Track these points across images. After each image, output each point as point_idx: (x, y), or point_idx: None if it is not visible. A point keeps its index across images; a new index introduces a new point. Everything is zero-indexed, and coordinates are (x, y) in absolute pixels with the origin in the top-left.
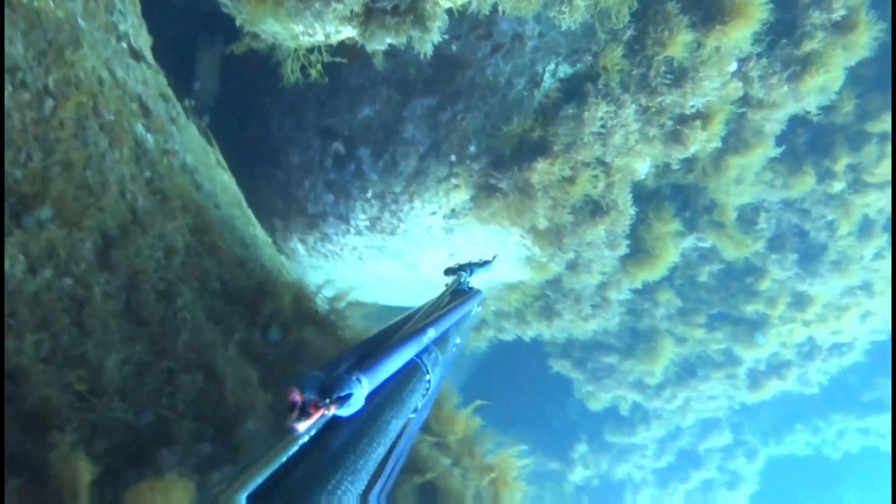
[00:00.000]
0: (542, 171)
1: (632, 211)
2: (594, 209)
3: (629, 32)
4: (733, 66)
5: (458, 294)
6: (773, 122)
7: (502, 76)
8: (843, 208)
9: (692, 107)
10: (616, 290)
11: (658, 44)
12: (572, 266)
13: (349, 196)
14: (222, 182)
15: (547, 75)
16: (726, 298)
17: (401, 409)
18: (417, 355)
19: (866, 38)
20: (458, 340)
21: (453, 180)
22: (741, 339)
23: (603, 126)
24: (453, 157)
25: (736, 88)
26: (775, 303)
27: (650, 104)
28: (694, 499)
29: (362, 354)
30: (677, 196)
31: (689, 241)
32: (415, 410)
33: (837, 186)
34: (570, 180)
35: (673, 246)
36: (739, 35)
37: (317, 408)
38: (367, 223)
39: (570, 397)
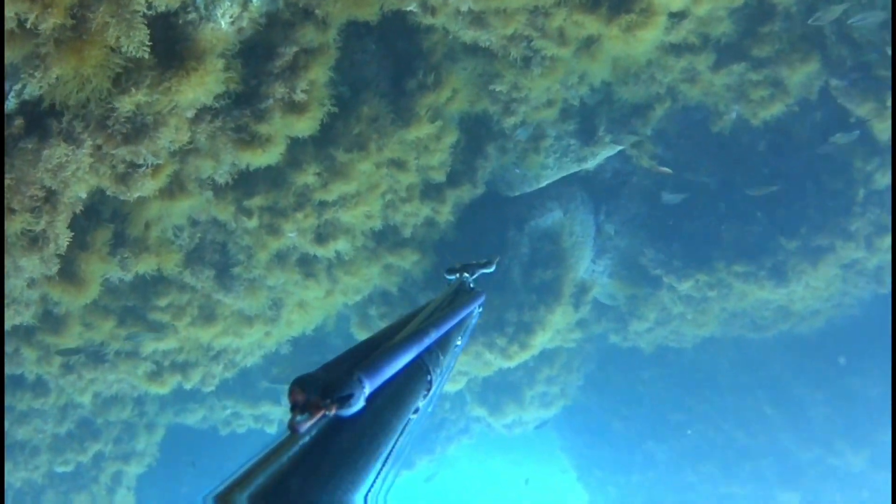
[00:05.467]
0: None
1: (68, 238)
2: (35, 238)
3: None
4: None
5: (460, 294)
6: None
7: None
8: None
9: (146, 160)
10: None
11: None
12: None
13: None
14: None
15: (12, 94)
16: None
17: (402, 409)
18: (419, 355)
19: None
20: (459, 342)
21: None
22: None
23: (59, 165)
24: None
25: (187, 139)
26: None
27: (108, 149)
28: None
29: (363, 354)
30: (115, 217)
31: (115, 264)
32: (416, 411)
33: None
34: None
35: (99, 271)
36: (193, 95)
37: (318, 408)
38: None
39: None
